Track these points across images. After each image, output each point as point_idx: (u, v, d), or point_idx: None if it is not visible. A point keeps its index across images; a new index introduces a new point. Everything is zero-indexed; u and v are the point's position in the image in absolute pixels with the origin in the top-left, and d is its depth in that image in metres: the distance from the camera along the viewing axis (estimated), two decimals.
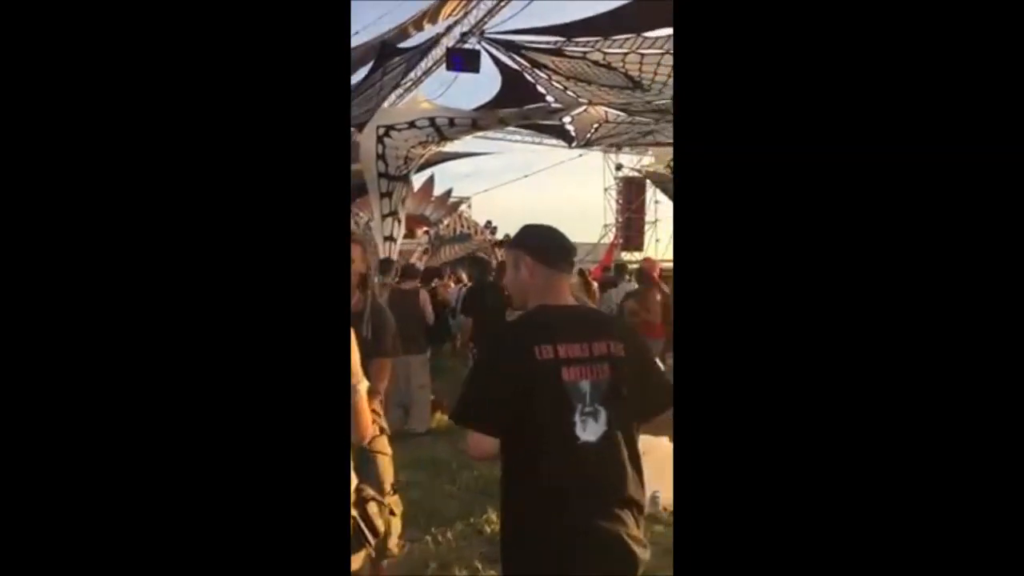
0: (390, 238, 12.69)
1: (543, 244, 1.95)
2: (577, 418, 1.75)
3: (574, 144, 16.75)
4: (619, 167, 23.13)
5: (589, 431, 1.76)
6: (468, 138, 14.63)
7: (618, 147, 20.50)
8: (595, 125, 14.20)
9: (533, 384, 1.76)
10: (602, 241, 22.65)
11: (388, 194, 12.58)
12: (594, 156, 22.60)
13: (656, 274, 6.82)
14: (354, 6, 1.62)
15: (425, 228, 19.80)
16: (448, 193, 20.11)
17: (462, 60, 10.28)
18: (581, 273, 7.66)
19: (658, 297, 6.47)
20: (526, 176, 31.19)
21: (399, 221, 13.00)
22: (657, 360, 2.48)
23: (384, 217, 12.55)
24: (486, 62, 10.31)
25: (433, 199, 19.54)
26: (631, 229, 23.60)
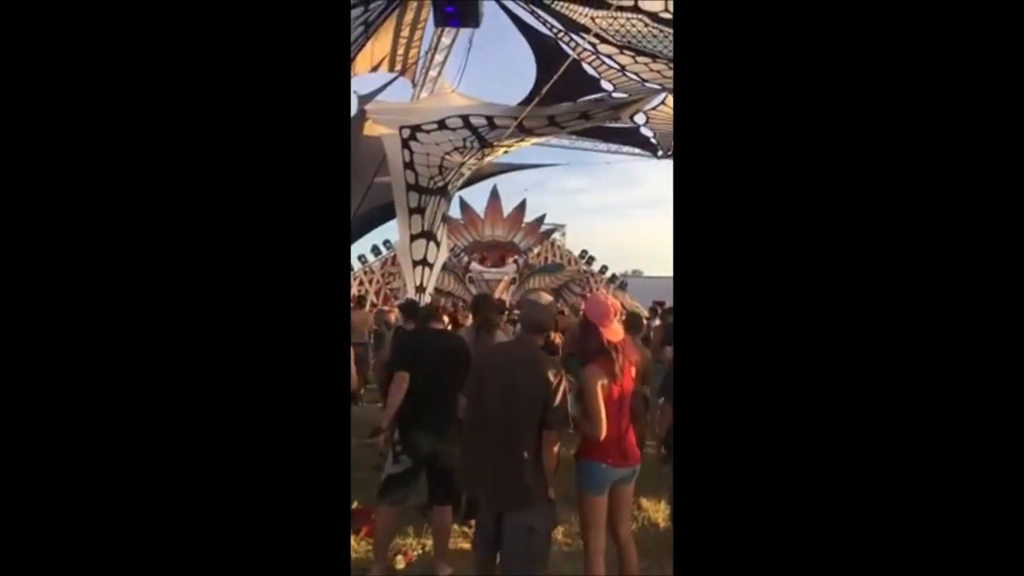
0: (423, 262, 10.11)
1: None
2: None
3: (660, 154, 14.07)
4: None
5: None
6: (525, 145, 11.63)
7: None
8: None
9: None
10: None
11: (420, 210, 9.97)
12: None
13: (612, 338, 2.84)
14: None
15: (514, 257, 19.25)
16: (541, 220, 19.53)
17: (456, 12, 6.91)
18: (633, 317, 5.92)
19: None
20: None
21: (436, 243, 10.29)
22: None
23: (415, 238, 9.97)
24: (510, 33, 8.25)
25: (523, 226, 18.98)
26: None
